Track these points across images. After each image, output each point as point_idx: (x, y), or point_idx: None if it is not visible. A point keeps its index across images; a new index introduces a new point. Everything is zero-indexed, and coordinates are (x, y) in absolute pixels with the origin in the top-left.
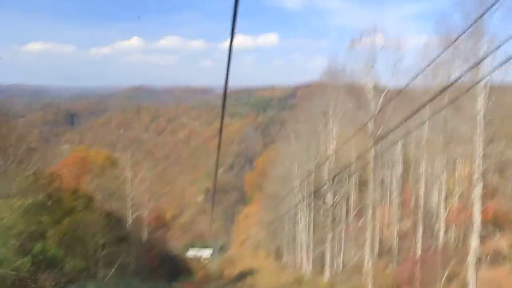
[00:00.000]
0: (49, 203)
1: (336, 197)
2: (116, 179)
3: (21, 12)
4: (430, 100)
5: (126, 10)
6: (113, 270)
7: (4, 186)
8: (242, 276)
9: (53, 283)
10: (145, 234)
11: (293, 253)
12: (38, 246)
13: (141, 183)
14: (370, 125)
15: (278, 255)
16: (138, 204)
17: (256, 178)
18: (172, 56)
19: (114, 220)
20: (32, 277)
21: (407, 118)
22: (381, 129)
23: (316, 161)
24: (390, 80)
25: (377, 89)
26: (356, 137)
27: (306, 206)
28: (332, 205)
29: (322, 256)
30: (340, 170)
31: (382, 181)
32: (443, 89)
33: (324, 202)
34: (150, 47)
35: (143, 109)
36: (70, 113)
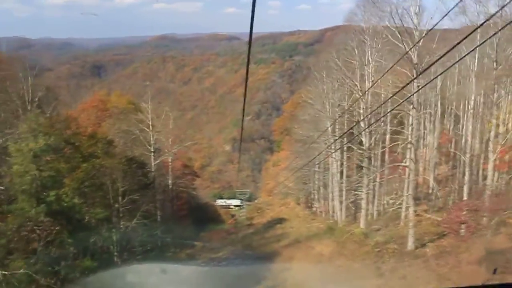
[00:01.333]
0: (64, 148)
1: (372, 138)
2: (139, 124)
3: None
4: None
5: None
6: (135, 220)
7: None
8: (272, 224)
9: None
10: (169, 181)
11: (324, 200)
12: (52, 194)
13: (165, 129)
14: (413, 56)
15: (308, 203)
16: (162, 150)
17: (284, 123)
18: (196, 3)
19: (136, 166)
20: (48, 228)
21: (453, 47)
22: (426, 60)
23: (350, 99)
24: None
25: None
26: (396, 73)
27: (338, 150)
28: (368, 147)
29: (355, 203)
30: (379, 104)
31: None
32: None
33: (360, 144)
34: None
35: (169, 59)
36: (97, 65)
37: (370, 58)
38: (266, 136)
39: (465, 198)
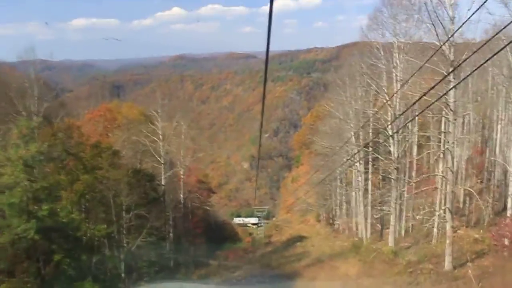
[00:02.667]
0: (65, 159)
1: (401, 147)
2: (149, 135)
3: None
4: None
5: None
6: (140, 237)
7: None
8: (292, 242)
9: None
10: (180, 196)
11: (347, 216)
12: (45, 208)
13: (177, 139)
14: (449, 52)
15: (329, 219)
16: (174, 163)
17: (304, 136)
18: (214, 24)
19: (144, 179)
20: (40, 246)
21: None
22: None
23: (376, 106)
24: None
25: None
26: (427, 77)
27: (362, 162)
28: (398, 157)
29: (380, 219)
30: (410, 106)
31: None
32: None
33: (388, 154)
34: (191, 16)
35: (187, 78)
36: (116, 85)
37: (398, 61)
38: (284, 153)
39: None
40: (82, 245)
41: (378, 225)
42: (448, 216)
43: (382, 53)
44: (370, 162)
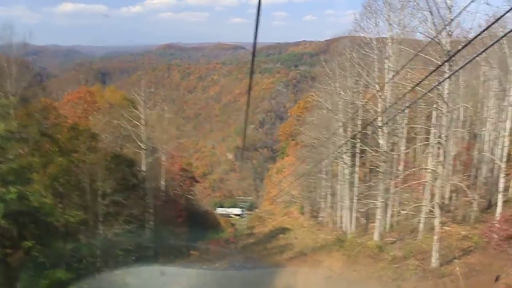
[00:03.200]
0: (40, 141)
1: (390, 139)
2: (132, 120)
3: None
4: None
5: None
6: (117, 225)
7: None
8: (274, 234)
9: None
10: (162, 183)
11: (331, 209)
12: (14, 191)
13: (161, 126)
14: (443, 39)
15: (313, 212)
16: (157, 149)
17: (290, 127)
18: (203, 13)
19: (124, 164)
20: (7, 232)
21: (486, 28)
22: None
23: (365, 98)
24: None
25: None
26: (419, 67)
27: (349, 155)
28: (387, 150)
29: (365, 213)
30: (401, 95)
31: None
32: None
33: (375, 146)
34: (181, 5)
35: (174, 67)
36: (102, 72)
37: (390, 51)
38: (269, 145)
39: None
40: (55, 231)
41: (362, 218)
42: (437, 211)
43: (375, 42)
44: (357, 154)
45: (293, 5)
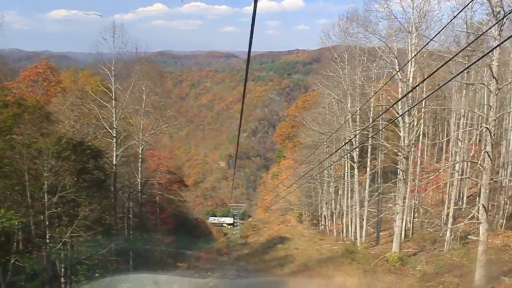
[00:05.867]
0: None
1: (412, 132)
2: (104, 102)
3: None
4: None
5: None
6: (70, 231)
7: None
8: (272, 244)
9: None
10: (138, 180)
11: (335, 216)
12: None
13: (137, 109)
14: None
15: (313, 219)
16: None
17: (287, 129)
18: (196, 22)
19: (87, 155)
20: None
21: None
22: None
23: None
24: None
25: None
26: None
27: (358, 153)
28: (408, 145)
29: (377, 220)
30: (421, 81)
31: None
32: None
33: (392, 140)
34: (174, 13)
35: (166, 74)
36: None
37: (413, 26)
38: (262, 153)
39: None
40: None
41: (368, 226)
42: (482, 215)
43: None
44: (369, 152)
45: (286, 14)
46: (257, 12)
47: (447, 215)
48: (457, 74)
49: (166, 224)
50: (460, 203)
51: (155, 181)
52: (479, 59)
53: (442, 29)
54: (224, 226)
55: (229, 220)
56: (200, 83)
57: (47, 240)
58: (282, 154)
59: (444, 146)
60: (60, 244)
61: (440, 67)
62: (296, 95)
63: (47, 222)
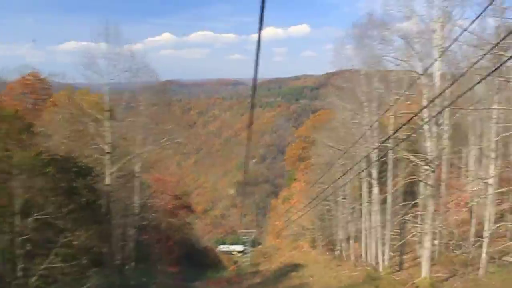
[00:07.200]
0: None
1: (440, 142)
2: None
3: (53, 14)
4: None
5: (157, 5)
6: (47, 262)
7: None
8: (285, 271)
9: None
10: (135, 203)
11: (352, 240)
12: None
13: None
14: None
15: (328, 244)
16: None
17: (298, 150)
18: (203, 50)
19: (75, 173)
20: None
21: None
22: None
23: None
24: None
25: None
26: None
27: (376, 170)
28: (436, 157)
29: (401, 243)
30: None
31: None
32: None
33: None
34: (181, 42)
35: (174, 102)
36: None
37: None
38: (271, 180)
39: None
40: None
41: (385, 249)
42: None
43: None
44: (388, 167)
45: (292, 40)
46: (263, 39)
47: (475, 235)
48: (497, 68)
49: (172, 253)
50: (488, 222)
51: (154, 204)
52: None
53: (478, 16)
54: (234, 254)
55: (239, 247)
56: (208, 110)
57: (18, 274)
58: (294, 176)
59: (469, 160)
60: (34, 278)
61: (483, 56)
62: (304, 120)
63: (20, 251)
